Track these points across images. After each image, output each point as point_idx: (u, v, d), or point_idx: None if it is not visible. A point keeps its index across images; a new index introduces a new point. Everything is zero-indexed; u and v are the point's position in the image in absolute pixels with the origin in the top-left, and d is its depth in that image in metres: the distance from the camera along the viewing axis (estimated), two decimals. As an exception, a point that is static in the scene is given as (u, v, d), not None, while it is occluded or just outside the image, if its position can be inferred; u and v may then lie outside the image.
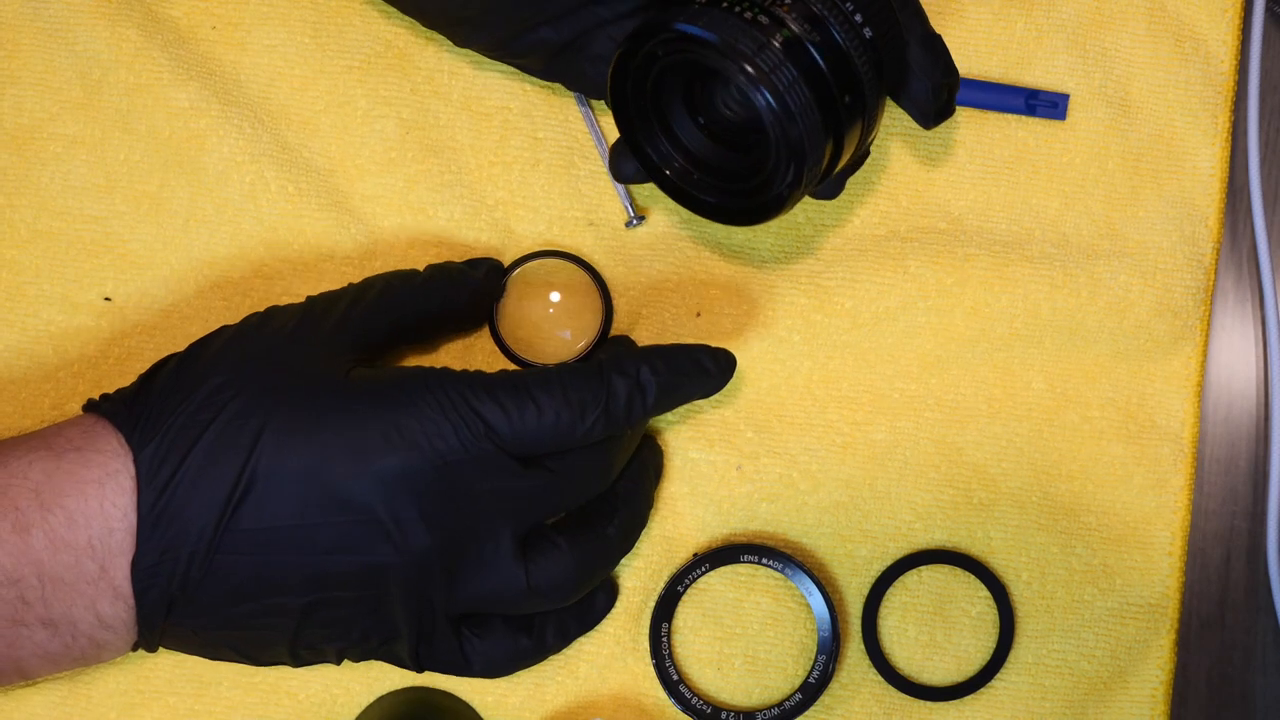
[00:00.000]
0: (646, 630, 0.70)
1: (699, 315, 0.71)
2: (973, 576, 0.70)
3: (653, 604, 0.70)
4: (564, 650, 0.69)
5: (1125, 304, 0.71)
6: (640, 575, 0.70)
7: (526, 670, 0.69)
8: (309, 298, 0.65)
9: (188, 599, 0.60)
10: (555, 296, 0.70)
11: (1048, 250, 0.71)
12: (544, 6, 0.65)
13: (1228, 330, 0.73)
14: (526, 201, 0.71)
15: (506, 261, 0.70)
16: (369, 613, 0.62)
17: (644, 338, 0.71)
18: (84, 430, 0.61)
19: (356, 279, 0.70)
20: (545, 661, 0.69)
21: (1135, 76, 0.71)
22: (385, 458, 0.60)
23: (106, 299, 0.70)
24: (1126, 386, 0.71)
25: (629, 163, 0.67)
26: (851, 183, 0.71)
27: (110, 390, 0.69)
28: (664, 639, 0.69)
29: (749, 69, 0.61)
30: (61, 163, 0.71)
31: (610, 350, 0.68)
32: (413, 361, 0.70)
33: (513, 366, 0.69)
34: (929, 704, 0.70)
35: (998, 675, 0.70)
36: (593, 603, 0.69)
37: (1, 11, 0.71)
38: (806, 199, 0.70)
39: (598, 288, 0.70)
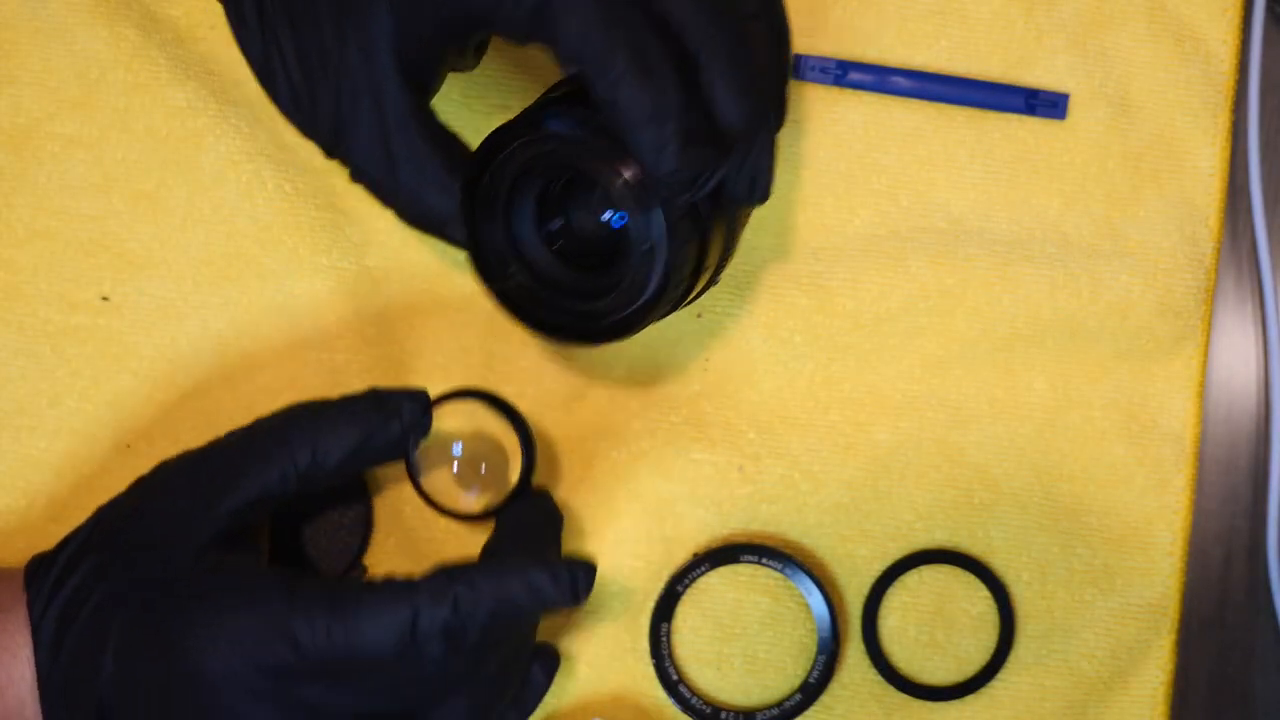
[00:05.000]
0: (646, 630, 0.70)
1: (700, 316, 0.71)
2: (973, 577, 0.70)
3: (652, 604, 0.70)
4: (564, 651, 0.69)
5: (1126, 304, 0.70)
6: (640, 575, 0.70)
7: (525, 672, 0.69)
8: (211, 444, 0.63)
9: None
10: (464, 442, 0.67)
11: (1049, 250, 0.71)
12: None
13: (1228, 330, 0.73)
14: (525, 201, 0.71)
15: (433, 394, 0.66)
16: None
17: (644, 339, 0.70)
18: (14, 592, 0.61)
19: (352, 278, 0.70)
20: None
21: (1135, 76, 0.71)
22: (211, 661, 0.58)
23: (104, 298, 0.70)
24: (1128, 387, 0.71)
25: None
26: (853, 183, 0.71)
27: (106, 387, 0.70)
28: (664, 639, 0.69)
29: (628, 178, 0.60)
30: (59, 162, 0.70)
31: (450, 570, 0.60)
32: None
33: (431, 512, 0.68)
34: (929, 704, 0.70)
35: (998, 675, 0.70)
36: (527, 681, 0.65)
37: (-1, 10, 0.71)
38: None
39: (517, 434, 0.67)
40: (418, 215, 0.66)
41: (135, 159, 0.71)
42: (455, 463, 0.68)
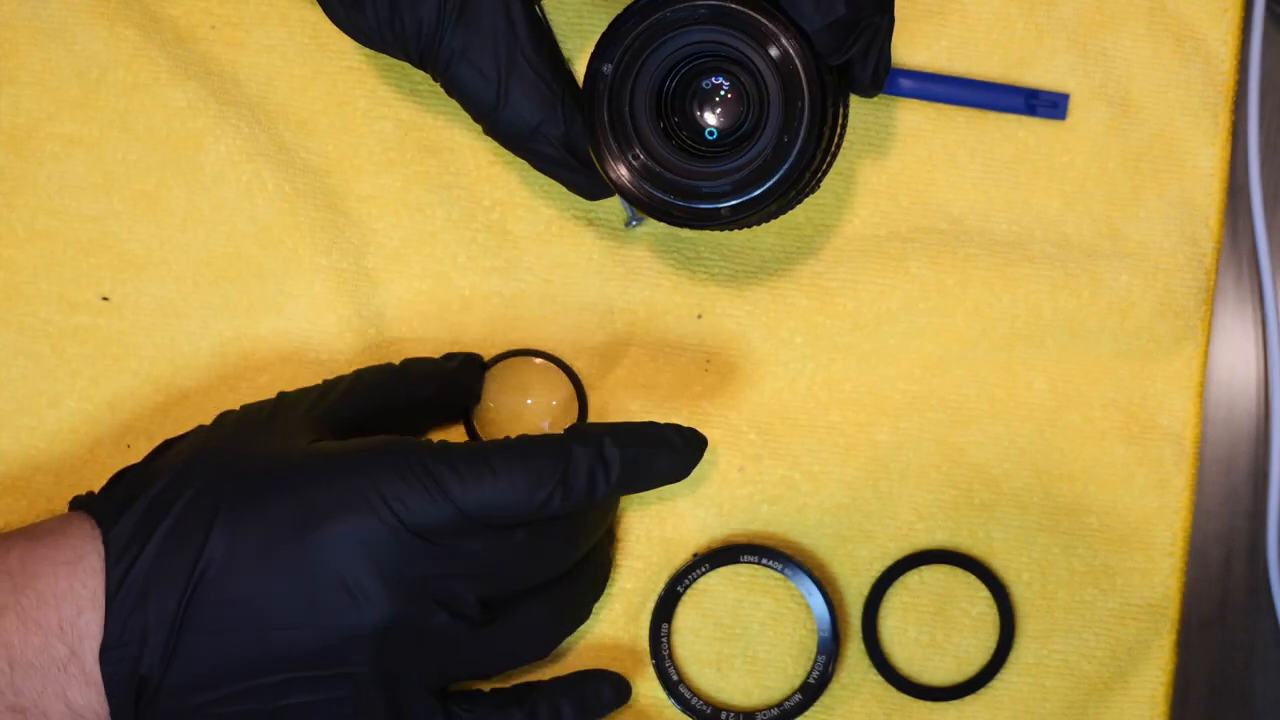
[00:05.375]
0: (646, 630, 0.70)
1: (700, 316, 0.71)
2: (973, 577, 0.70)
3: (652, 604, 0.70)
4: (563, 652, 0.69)
5: (1127, 304, 0.71)
6: (640, 576, 0.70)
7: (526, 672, 0.69)
8: (280, 393, 0.66)
9: (157, 684, 0.59)
10: (528, 393, 0.70)
11: (1049, 250, 0.71)
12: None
13: (1228, 330, 0.73)
14: (525, 201, 0.71)
15: (486, 356, 0.70)
16: (345, 695, 0.61)
17: (644, 341, 0.71)
18: (63, 519, 0.61)
19: (352, 279, 0.70)
20: (545, 663, 0.69)
21: (1135, 76, 0.71)
22: (338, 521, 0.60)
23: (104, 298, 0.70)
24: (1128, 387, 0.71)
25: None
26: (852, 183, 0.71)
27: (106, 387, 0.70)
28: (664, 639, 0.69)
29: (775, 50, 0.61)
30: (59, 162, 0.70)
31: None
32: None
33: None
34: (929, 704, 0.70)
35: (998, 676, 0.70)
36: (598, 694, 0.67)
37: (-1, 10, 0.71)
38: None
39: (572, 385, 0.70)
40: (513, 125, 0.65)
41: (135, 159, 0.71)
42: (530, 399, 0.70)
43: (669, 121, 0.63)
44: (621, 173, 0.63)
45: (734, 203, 0.63)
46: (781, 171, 0.62)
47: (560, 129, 0.65)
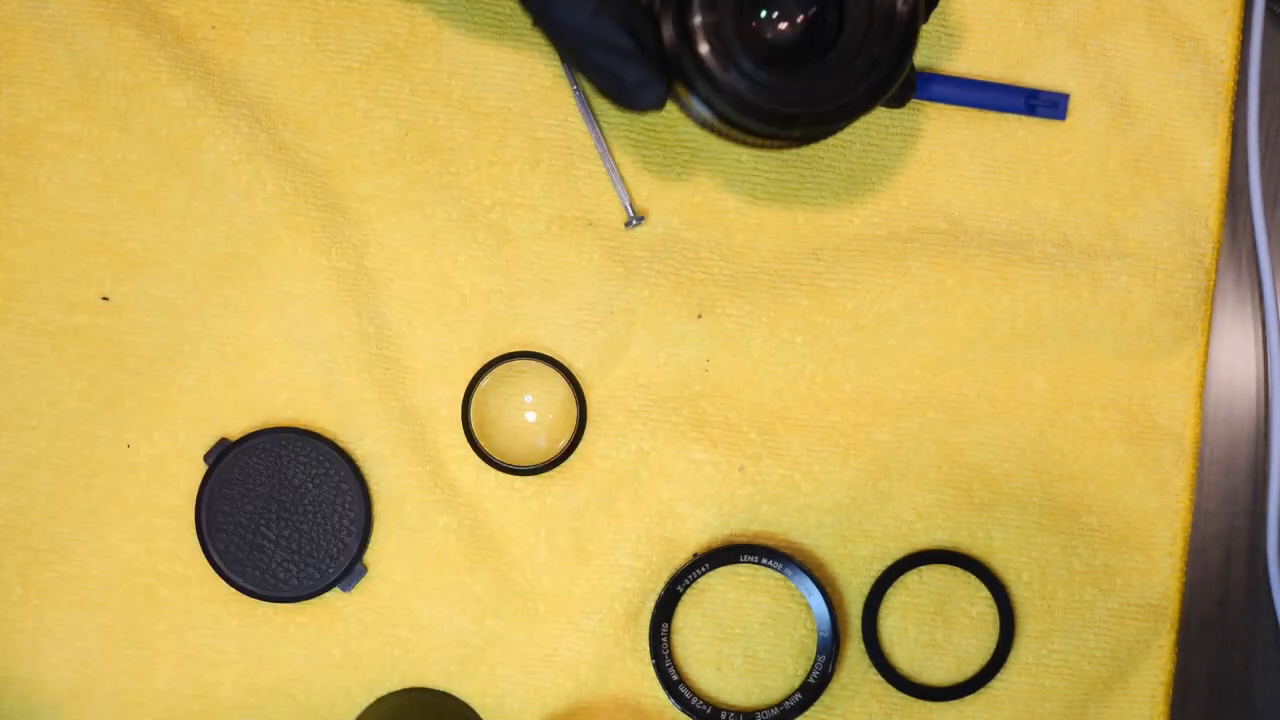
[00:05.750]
0: (646, 630, 0.70)
1: (700, 317, 0.71)
2: (973, 577, 0.70)
3: (652, 604, 0.70)
4: (563, 651, 0.69)
5: (1126, 304, 0.71)
6: (640, 576, 0.70)
7: (525, 672, 0.69)
8: None
9: None
10: (527, 393, 0.70)
11: (1049, 250, 0.71)
12: None
13: (1227, 330, 0.73)
14: (526, 202, 0.71)
15: (485, 359, 0.70)
16: None
17: (644, 340, 0.71)
18: None
19: (352, 278, 0.70)
20: (544, 663, 0.69)
21: (1135, 76, 0.71)
22: None
23: (104, 298, 0.70)
24: (1128, 387, 0.71)
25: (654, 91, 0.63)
26: (852, 183, 0.71)
27: (106, 387, 0.70)
28: (664, 639, 0.69)
29: None
30: (59, 162, 0.70)
31: None
32: None
33: (477, 459, 0.70)
34: (929, 704, 0.70)
35: (998, 675, 0.70)
36: None
37: (-1, 10, 0.71)
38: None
39: (571, 385, 0.70)
40: (573, 4, 0.62)
41: (135, 159, 0.71)
42: (528, 400, 0.70)
43: (747, 30, 0.63)
44: (696, 77, 0.62)
45: (821, 110, 0.62)
46: (868, 81, 0.62)
47: (625, 8, 0.62)
